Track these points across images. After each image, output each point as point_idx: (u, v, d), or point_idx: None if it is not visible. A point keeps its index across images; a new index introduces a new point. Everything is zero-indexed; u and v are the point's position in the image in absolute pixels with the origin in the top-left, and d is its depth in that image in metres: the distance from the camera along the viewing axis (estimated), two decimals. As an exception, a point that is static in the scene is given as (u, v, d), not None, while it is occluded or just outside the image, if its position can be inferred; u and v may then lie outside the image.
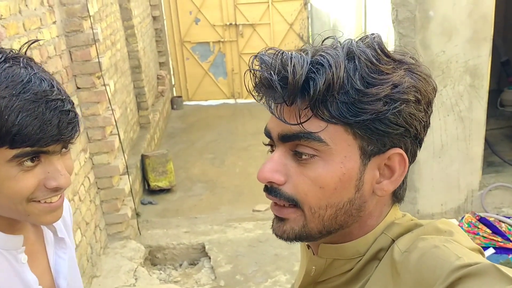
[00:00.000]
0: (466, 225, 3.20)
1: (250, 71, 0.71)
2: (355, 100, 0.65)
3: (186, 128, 7.82)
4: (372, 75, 0.66)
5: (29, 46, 0.94)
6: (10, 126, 0.79)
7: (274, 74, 0.66)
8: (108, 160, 3.82)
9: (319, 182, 0.67)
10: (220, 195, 5.35)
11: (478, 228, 3.13)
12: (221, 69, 9.11)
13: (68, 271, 1.06)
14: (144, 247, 3.97)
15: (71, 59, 3.51)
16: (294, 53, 0.67)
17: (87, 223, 3.54)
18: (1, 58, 0.86)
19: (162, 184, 5.50)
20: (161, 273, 3.78)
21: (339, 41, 0.71)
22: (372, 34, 0.71)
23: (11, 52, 0.89)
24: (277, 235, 0.73)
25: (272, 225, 0.74)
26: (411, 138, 0.70)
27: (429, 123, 0.73)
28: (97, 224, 3.78)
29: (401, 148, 0.69)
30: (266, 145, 0.76)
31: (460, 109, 3.70)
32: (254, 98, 0.73)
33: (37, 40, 1.07)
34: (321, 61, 0.65)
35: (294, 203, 0.70)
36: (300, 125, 0.66)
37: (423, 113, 0.69)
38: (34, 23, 2.85)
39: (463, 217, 3.26)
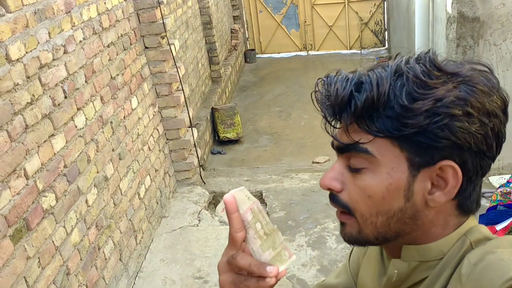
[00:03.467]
0: (515, 181, 3.20)
1: (314, 92, 0.79)
2: (398, 115, 0.68)
3: (257, 81, 8.06)
4: (418, 90, 0.67)
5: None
6: None
7: (324, 96, 0.74)
8: (175, 113, 4.18)
9: (367, 191, 0.72)
10: (284, 147, 5.61)
11: (526, 184, 3.12)
12: (293, 21, 9.15)
13: None
14: (208, 193, 4.36)
15: (139, 21, 3.83)
16: (341, 75, 0.74)
17: (156, 170, 3.96)
18: None
19: (230, 135, 5.85)
20: (221, 216, 4.16)
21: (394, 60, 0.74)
22: (428, 50, 0.72)
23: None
24: (342, 237, 0.80)
25: (340, 228, 0.82)
26: (469, 151, 0.69)
27: (497, 132, 0.71)
28: (166, 171, 4.21)
29: (454, 160, 0.69)
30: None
31: (521, 63, 3.59)
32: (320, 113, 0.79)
33: None
34: (364, 80, 0.70)
35: (348, 210, 0.76)
36: (349, 137, 0.72)
37: (477, 125, 0.68)
38: (102, -9, 3.17)
39: (512, 174, 3.26)
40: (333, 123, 0.75)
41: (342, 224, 0.78)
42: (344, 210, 0.76)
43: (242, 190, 0.75)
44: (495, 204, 3.19)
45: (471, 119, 0.67)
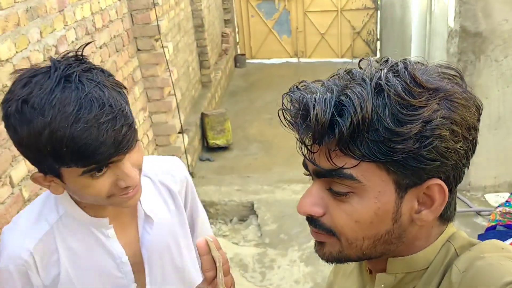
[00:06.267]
0: (514, 201, 3.14)
1: (282, 110, 0.71)
2: (385, 139, 0.64)
3: (247, 87, 7.95)
4: (402, 111, 0.63)
5: (83, 49, 0.99)
6: (71, 152, 0.91)
7: (298, 118, 0.67)
8: (166, 119, 4.04)
9: (354, 217, 0.69)
10: (274, 156, 5.50)
11: (527, 204, 3.07)
12: (285, 27, 9.07)
13: (154, 245, 1.19)
14: (197, 202, 4.22)
15: (132, 22, 3.69)
16: (317, 95, 0.66)
17: (145, 177, 3.81)
18: (55, 80, 0.91)
19: (220, 142, 5.72)
20: (212, 227, 4.03)
21: (364, 71, 0.69)
22: (404, 60, 0.69)
23: (66, 66, 0.94)
24: (319, 256, 0.77)
25: (315, 246, 0.78)
26: (452, 167, 0.68)
27: (475, 142, 0.70)
28: (155, 178, 4.06)
29: (440, 178, 0.68)
30: (306, 175, 0.77)
31: (521, 81, 3.55)
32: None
33: (89, 43, 1.12)
34: (346, 103, 0.64)
35: (332, 233, 0.72)
36: (332, 163, 0.67)
37: (461, 142, 0.67)
38: (96, -11, 3.03)
39: (512, 193, 3.21)
40: (310, 147, 0.69)
41: (320, 243, 0.75)
42: (327, 233, 0.72)
43: (212, 241, 0.86)
44: (494, 224, 3.11)
45: (456, 137, 0.66)
